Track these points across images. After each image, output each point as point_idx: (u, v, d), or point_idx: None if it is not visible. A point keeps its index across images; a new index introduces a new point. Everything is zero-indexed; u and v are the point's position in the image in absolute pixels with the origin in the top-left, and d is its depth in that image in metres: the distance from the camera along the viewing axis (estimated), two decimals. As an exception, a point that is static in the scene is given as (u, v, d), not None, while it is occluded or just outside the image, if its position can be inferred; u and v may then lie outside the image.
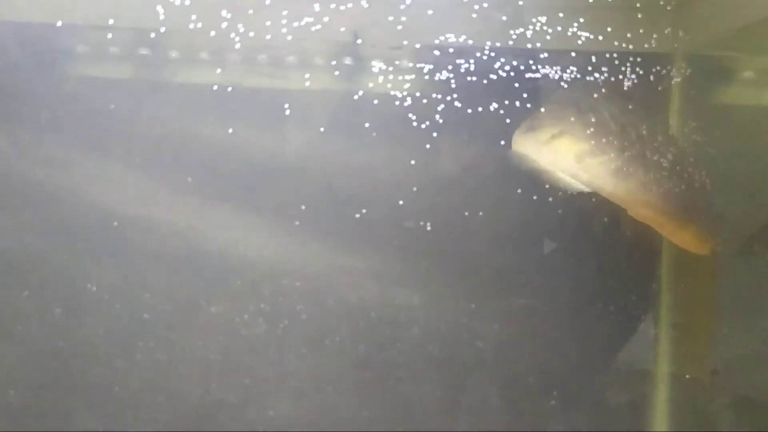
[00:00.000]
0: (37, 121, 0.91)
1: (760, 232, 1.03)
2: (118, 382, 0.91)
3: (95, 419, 0.91)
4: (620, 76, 0.96)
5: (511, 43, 0.91)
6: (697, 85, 1.02)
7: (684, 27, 1.01)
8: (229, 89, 0.91)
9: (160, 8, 0.88)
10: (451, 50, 0.91)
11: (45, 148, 0.92)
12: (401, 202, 0.92)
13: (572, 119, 0.90)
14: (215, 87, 0.91)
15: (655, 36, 0.97)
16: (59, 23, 0.89)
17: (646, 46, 0.97)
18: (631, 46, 0.96)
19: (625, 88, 0.97)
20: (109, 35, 0.91)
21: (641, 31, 0.96)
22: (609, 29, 0.94)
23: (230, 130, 0.92)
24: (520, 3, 0.91)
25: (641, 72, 0.97)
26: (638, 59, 0.96)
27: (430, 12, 0.90)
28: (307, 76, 0.93)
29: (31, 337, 0.91)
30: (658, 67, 0.98)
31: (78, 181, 0.93)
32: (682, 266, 1.01)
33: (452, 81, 0.91)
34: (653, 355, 1.02)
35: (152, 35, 0.90)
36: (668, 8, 0.99)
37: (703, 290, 1.04)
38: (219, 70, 0.92)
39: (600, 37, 0.93)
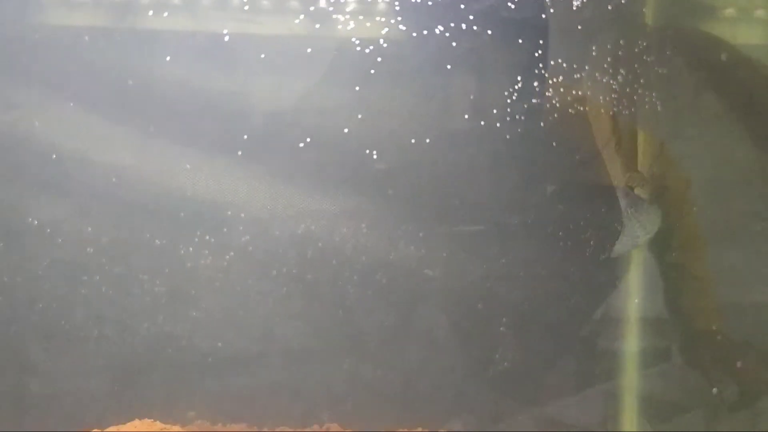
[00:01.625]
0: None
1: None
2: (65, 316, 0.91)
3: (43, 353, 0.91)
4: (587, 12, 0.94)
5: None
6: (677, 21, 1.01)
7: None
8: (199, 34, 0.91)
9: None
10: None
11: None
12: (346, 130, 0.90)
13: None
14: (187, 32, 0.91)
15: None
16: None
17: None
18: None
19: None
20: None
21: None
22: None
23: (177, 71, 0.90)
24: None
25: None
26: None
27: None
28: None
29: (-27, 272, 0.90)
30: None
31: (29, 123, 0.91)
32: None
33: (396, 5, 0.89)
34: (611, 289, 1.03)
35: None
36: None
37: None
38: (191, 16, 0.91)
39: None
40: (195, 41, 0.91)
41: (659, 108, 0.98)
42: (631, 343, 1.03)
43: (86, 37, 0.92)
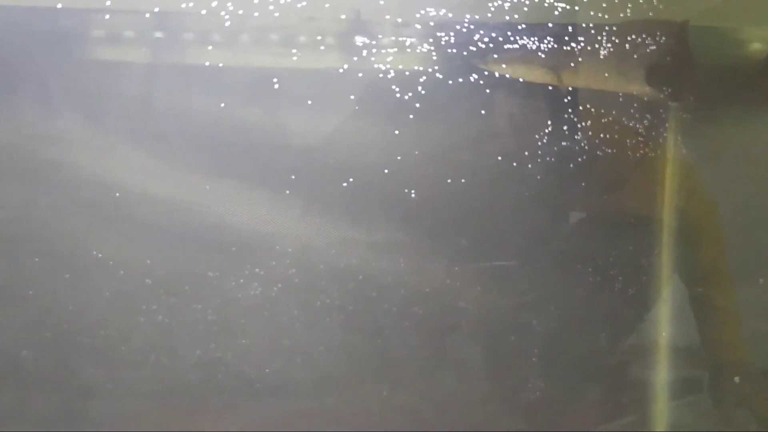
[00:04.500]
0: (52, 102, 0.96)
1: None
2: (123, 342, 0.97)
3: (102, 377, 0.97)
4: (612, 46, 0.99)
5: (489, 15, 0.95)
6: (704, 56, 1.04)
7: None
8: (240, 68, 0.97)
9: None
10: (431, 23, 0.95)
11: (58, 128, 0.97)
12: (386, 171, 0.96)
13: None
14: (225, 67, 0.96)
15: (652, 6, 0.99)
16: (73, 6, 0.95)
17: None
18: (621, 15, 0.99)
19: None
20: (124, 19, 0.96)
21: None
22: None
23: (224, 107, 0.97)
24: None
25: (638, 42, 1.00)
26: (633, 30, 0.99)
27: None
28: (296, 52, 0.97)
29: (42, 300, 0.97)
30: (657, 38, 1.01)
31: (89, 159, 0.97)
32: (683, 237, 1.04)
33: (433, 54, 0.95)
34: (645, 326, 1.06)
35: (166, 18, 0.95)
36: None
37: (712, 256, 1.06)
38: (231, 51, 0.97)
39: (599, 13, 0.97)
40: (236, 76, 0.97)
41: (688, 133, 1.03)
42: (660, 374, 1.05)
43: (134, 73, 0.98)
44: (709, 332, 1.04)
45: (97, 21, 0.97)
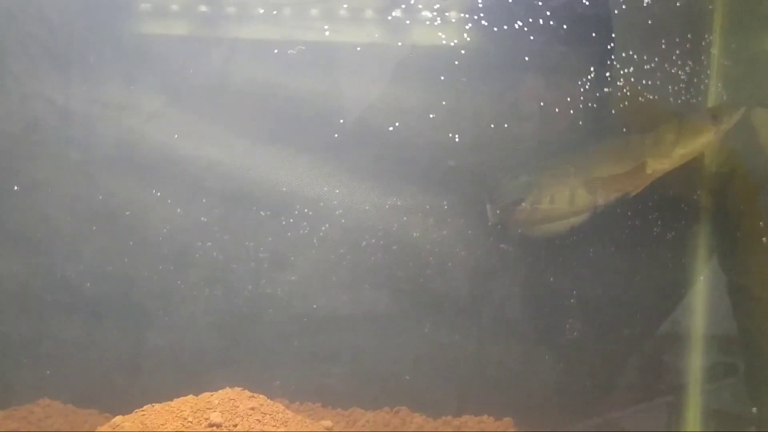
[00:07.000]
0: (103, 73, 1.02)
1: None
2: (181, 277, 1.03)
3: (161, 308, 1.03)
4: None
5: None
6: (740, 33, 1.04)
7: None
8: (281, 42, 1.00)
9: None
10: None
11: (111, 97, 1.03)
12: (422, 127, 1.00)
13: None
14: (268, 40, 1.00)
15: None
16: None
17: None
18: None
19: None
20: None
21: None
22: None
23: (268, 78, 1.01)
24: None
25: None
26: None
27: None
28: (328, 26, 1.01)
29: (106, 237, 1.03)
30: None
31: (140, 123, 1.03)
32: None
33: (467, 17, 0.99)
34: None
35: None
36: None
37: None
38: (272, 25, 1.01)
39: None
40: (278, 48, 1.00)
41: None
42: (694, 357, 1.07)
43: (179, 45, 1.03)
44: (746, 322, 1.00)
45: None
